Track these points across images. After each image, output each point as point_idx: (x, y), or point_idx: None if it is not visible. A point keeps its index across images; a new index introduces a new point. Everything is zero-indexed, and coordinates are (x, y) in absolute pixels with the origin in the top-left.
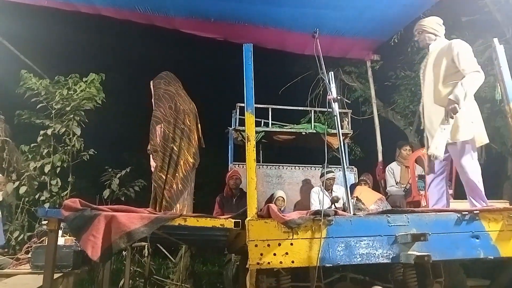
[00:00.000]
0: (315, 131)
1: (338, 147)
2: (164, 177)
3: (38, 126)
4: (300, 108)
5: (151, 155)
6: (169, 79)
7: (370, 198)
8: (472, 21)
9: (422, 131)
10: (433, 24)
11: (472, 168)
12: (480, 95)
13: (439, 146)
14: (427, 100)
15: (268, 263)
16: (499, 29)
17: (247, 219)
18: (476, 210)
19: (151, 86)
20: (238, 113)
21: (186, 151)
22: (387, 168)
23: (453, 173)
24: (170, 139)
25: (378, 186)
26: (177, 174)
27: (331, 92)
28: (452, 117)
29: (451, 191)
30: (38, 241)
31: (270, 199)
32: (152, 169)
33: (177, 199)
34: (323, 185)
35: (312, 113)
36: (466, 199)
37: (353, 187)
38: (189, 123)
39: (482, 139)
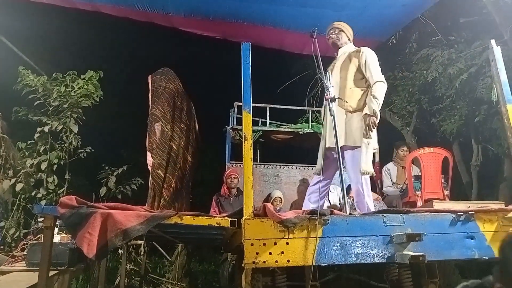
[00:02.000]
0: (312, 131)
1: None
2: (162, 175)
3: (35, 123)
4: (298, 107)
5: (149, 153)
6: (170, 76)
7: None
8: (470, 22)
9: (419, 132)
10: (349, 28)
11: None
12: (477, 97)
13: (369, 161)
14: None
15: (264, 262)
16: (497, 31)
17: (243, 218)
18: (471, 210)
19: (149, 81)
20: (236, 111)
21: (186, 150)
22: (383, 168)
23: (449, 174)
24: (169, 137)
25: (375, 186)
26: (176, 173)
27: (329, 92)
28: (372, 131)
29: (447, 192)
30: (34, 238)
31: (267, 199)
32: (149, 168)
33: (176, 198)
34: None
35: (310, 112)
36: (462, 200)
37: (349, 187)
38: (188, 122)
39: (374, 145)
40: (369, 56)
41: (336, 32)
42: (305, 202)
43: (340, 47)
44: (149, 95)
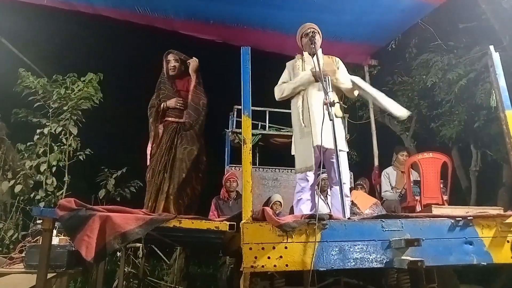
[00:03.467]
0: None
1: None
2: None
3: (35, 125)
4: None
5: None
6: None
7: (365, 203)
8: (469, 28)
9: (418, 137)
10: None
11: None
12: (476, 102)
13: None
14: (318, 96)
15: (262, 266)
16: (496, 37)
17: (241, 222)
18: (470, 216)
19: (177, 59)
20: (235, 115)
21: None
22: (383, 172)
23: (448, 179)
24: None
25: (374, 190)
26: (200, 174)
27: (328, 96)
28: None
29: (446, 197)
30: (32, 241)
31: (267, 203)
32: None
33: (197, 200)
34: (318, 187)
35: None
36: (461, 205)
37: (350, 190)
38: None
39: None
40: (344, 65)
41: (317, 33)
42: (298, 211)
43: (316, 50)
44: (193, 72)
